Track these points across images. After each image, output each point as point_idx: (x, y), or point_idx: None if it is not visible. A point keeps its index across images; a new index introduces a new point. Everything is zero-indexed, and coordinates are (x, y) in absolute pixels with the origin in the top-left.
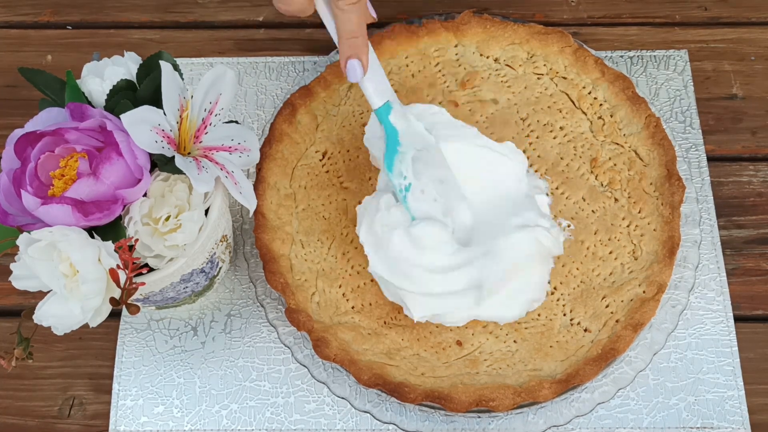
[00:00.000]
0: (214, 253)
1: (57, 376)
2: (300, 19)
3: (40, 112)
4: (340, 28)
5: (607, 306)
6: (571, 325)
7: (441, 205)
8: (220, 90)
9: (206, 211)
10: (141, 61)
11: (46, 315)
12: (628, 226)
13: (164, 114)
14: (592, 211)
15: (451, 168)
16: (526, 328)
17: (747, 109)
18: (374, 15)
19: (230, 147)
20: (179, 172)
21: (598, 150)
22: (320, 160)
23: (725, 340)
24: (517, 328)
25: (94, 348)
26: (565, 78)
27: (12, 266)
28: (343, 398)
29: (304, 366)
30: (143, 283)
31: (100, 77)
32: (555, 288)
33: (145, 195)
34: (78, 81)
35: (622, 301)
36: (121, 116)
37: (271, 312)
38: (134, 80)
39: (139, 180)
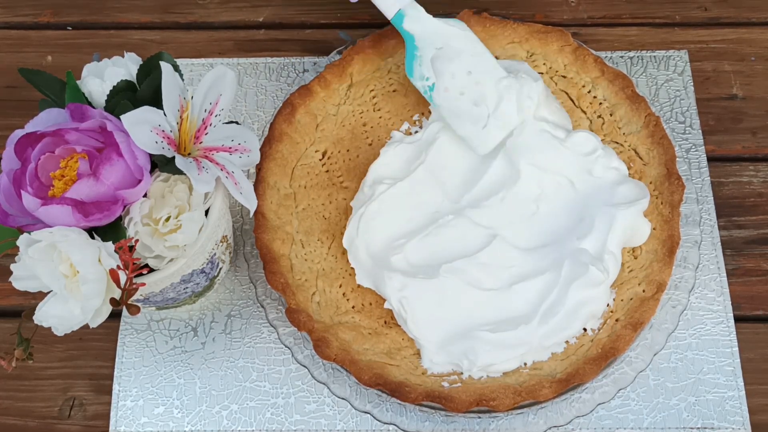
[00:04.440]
0: (215, 254)
1: (57, 377)
2: (300, 19)
3: (40, 112)
4: None
5: (606, 305)
6: None
7: (468, 97)
8: (220, 90)
9: (206, 212)
10: (141, 62)
11: (46, 315)
12: None
13: (164, 114)
14: None
15: (483, 49)
16: None
17: (747, 109)
18: None
19: (230, 147)
20: (179, 172)
21: None
22: (320, 160)
23: (725, 341)
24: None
25: (95, 349)
26: (564, 77)
27: (12, 267)
28: (343, 399)
29: (305, 366)
30: (143, 284)
31: (100, 78)
32: None
33: (145, 195)
34: (78, 82)
35: (621, 300)
36: (122, 117)
37: (272, 312)
38: (134, 81)
39: (140, 180)
